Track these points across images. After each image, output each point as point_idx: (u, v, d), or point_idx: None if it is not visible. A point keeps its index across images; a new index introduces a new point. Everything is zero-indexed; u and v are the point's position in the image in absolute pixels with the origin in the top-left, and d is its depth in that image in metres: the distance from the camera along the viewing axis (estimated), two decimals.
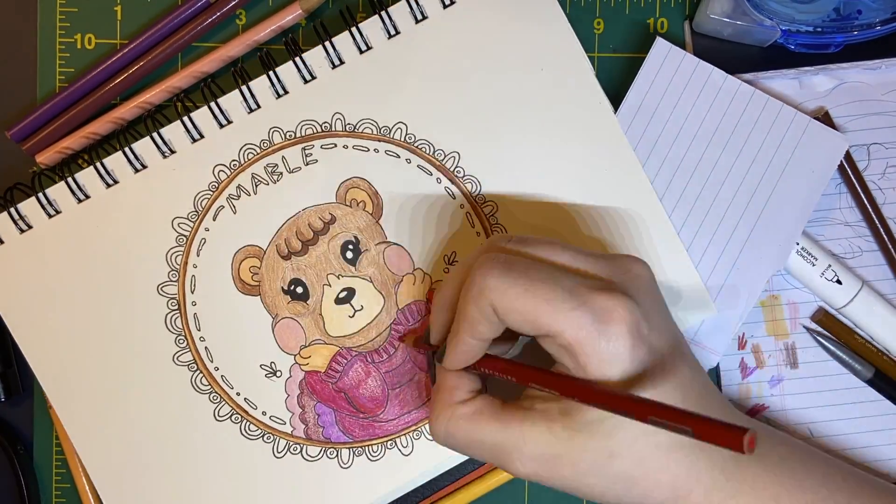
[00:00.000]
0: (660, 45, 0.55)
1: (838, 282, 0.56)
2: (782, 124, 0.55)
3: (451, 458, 0.56)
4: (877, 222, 0.57)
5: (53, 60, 0.58)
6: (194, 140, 0.55)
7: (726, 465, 0.44)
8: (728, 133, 0.55)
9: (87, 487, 0.58)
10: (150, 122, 0.55)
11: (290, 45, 0.54)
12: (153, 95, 0.57)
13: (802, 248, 0.55)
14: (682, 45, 0.58)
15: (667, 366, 0.44)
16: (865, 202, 0.56)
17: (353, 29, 0.54)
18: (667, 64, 0.55)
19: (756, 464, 0.45)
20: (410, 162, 0.55)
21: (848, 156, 0.56)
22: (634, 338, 0.42)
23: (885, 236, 0.57)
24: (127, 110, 0.57)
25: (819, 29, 0.55)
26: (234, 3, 0.57)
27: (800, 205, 0.55)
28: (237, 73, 0.54)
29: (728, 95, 0.55)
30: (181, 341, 0.55)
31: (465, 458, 0.56)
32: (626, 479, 0.43)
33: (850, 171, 0.56)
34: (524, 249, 0.46)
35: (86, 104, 0.57)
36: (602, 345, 0.41)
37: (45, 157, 0.57)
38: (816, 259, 0.55)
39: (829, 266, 0.56)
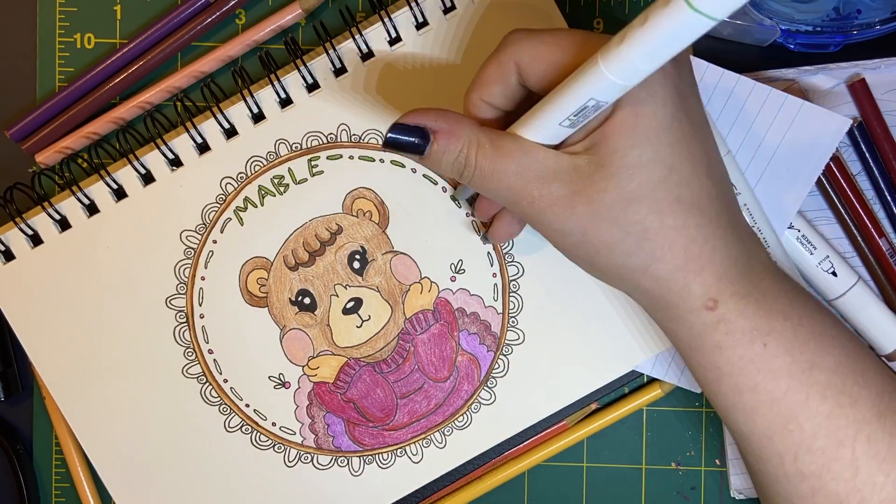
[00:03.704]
0: None
1: (834, 274, 0.56)
2: (771, 108, 0.54)
3: (459, 461, 0.57)
4: (857, 235, 0.57)
5: (53, 60, 0.58)
6: (201, 152, 0.55)
7: (739, 261, 0.43)
8: (713, 120, 0.55)
9: (86, 488, 0.58)
10: (150, 121, 0.55)
11: (289, 44, 0.54)
12: (153, 95, 0.56)
13: (802, 236, 0.56)
14: None
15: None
16: (858, 207, 0.57)
17: (356, 37, 0.54)
18: None
19: (771, 278, 0.45)
20: (416, 171, 0.55)
21: (839, 165, 0.56)
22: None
23: (868, 253, 0.57)
24: (126, 110, 0.56)
25: (818, 28, 0.55)
26: (233, 2, 0.56)
27: (797, 187, 0.55)
28: (237, 73, 0.54)
29: (711, 84, 0.55)
30: (190, 354, 0.55)
31: (466, 459, 0.57)
32: (640, 230, 0.42)
33: (835, 181, 0.57)
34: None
35: (85, 104, 0.57)
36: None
37: (45, 157, 0.56)
38: (815, 248, 0.56)
39: (827, 257, 0.56)
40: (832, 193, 0.57)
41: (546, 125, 0.42)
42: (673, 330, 0.45)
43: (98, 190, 0.55)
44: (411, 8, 0.54)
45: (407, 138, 0.44)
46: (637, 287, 0.44)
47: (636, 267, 0.43)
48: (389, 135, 0.44)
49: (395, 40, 0.55)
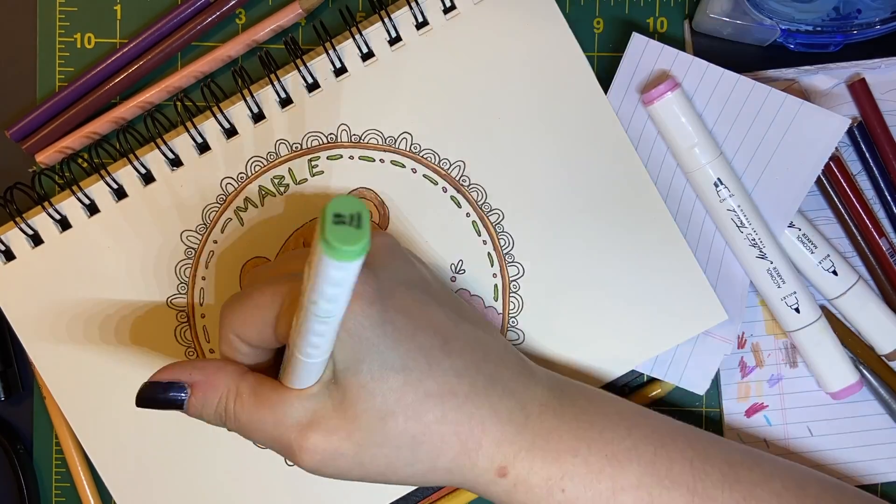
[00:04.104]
0: (636, 39, 0.55)
1: (834, 273, 0.56)
2: (771, 107, 0.54)
3: None
4: (857, 236, 0.58)
5: (53, 60, 0.58)
6: (202, 152, 0.55)
7: (513, 415, 0.44)
8: (712, 120, 0.55)
9: (86, 488, 0.58)
10: (150, 121, 0.55)
11: (289, 44, 0.54)
12: (153, 95, 0.56)
13: (803, 235, 0.56)
14: (682, 45, 0.58)
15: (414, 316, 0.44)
16: (858, 209, 0.57)
17: (356, 37, 0.54)
18: (645, 58, 0.55)
19: (551, 416, 0.45)
20: (416, 171, 0.55)
21: (839, 165, 0.56)
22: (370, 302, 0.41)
23: (868, 253, 0.57)
24: (126, 110, 0.56)
25: (819, 28, 0.55)
26: (233, 2, 0.56)
27: (796, 187, 0.55)
28: (237, 73, 0.54)
29: (710, 84, 0.55)
30: (191, 354, 0.55)
31: None
32: (408, 439, 0.42)
33: (835, 181, 0.57)
34: (273, 267, 0.46)
35: (85, 103, 0.57)
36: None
37: (45, 157, 0.56)
38: (816, 247, 0.56)
39: (828, 256, 0.56)
40: (832, 193, 0.57)
41: (294, 372, 0.42)
42: (486, 497, 0.46)
43: (98, 190, 0.55)
44: (411, 8, 0.54)
45: (164, 396, 0.44)
46: (436, 482, 0.45)
47: (424, 471, 0.44)
48: (141, 395, 0.44)
49: (395, 40, 0.55)
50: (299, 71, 0.54)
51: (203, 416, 0.45)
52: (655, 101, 0.53)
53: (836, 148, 0.57)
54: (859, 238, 0.57)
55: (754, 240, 0.54)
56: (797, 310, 0.55)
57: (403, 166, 0.55)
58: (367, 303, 0.41)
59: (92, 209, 0.55)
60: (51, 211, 0.54)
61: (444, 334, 0.44)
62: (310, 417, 0.42)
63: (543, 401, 0.46)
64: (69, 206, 0.55)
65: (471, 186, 0.55)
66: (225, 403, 0.44)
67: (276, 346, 0.44)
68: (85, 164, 0.57)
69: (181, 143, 0.55)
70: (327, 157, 0.55)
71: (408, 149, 0.55)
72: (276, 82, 0.54)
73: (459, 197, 0.55)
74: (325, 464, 0.43)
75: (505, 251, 0.55)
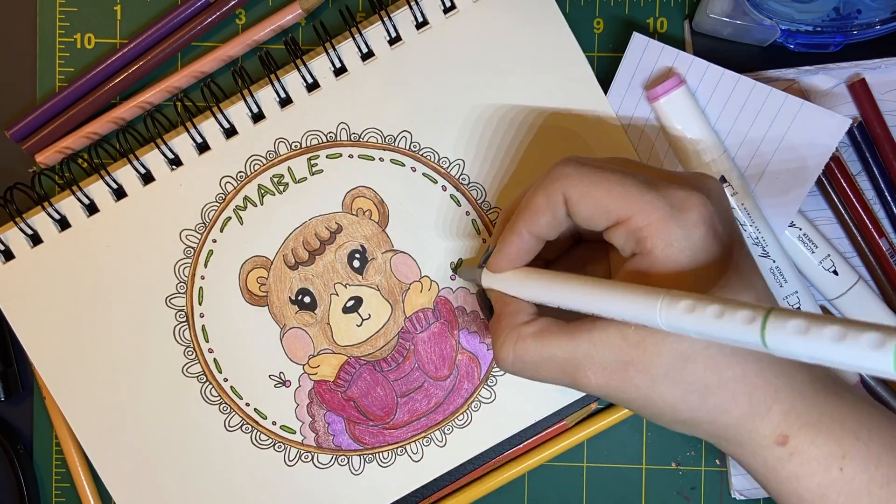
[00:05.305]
0: (637, 39, 0.55)
1: (835, 272, 0.56)
2: (771, 107, 0.54)
3: (460, 459, 0.57)
4: (859, 236, 0.57)
5: (53, 60, 0.58)
6: (201, 152, 0.55)
7: (804, 389, 0.43)
8: (713, 119, 0.55)
9: (86, 488, 0.58)
10: (150, 121, 0.55)
11: (289, 44, 0.54)
12: (153, 95, 0.57)
13: (804, 235, 0.56)
14: (682, 45, 0.58)
15: (739, 266, 0.43)
16: (860, 208, 0.57)
17: (356, 37, 0.54)
18: (646, 58, 0.55)
19: (834, 396, 0.44)
20: (416, 170, 0.55)
21: (839, 165, 0.56)
22: (708, 228, 0.41)
23: (868, 253, 0.57)
24: (126, 110, 0.57)
25: (818, 28, 0.55)
26: (233, 2, 0.57)
27: (796, 186, 0.55)
28: (237, 73, 0.54)
29: (711, 83, 0.55)
30: (190, 353, 0.55)
31: (467, 458, 0.56)
32: (701, 387, 0.41)
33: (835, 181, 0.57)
34: (599, 160, 0.45)
35: (85, 104, 0.57)
36: (675, 229, 0.40)
37: (45, 157, 0.57)
38: (816, 247, 0.56)
39: (828, 256, 0.56)
40: (832, 193, 0.57)
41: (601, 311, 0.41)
42: (745, 462, 0.45)
43: (98, 189, 0.55)
44: (411, 7, 0.54)
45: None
46: (705, 433, 0.44)
47: (703, 419, 0.43)
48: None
49: (394, 40, 0.55)
50: (299, 71, 0.54)
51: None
52: (661, 97, 0.53)
53: (836, 148, 0.56)
54: (859, 238, 0.57)
55: (757, 238, 0.54)
56: (798, 309, 0.54)
57: (403, 165, 0.55)
58: (705, 243, 0.41)
59: (91, 209, 0.55)
60: (50, 211, 0.54)
61: (763, 299, 0.43)
62: (603, 346, 0.42)
63: (826, 381, 0.45)
64: (68, 205, 0.55)
65: (470, 185, 0.55)
66: (507, 345, 0.45)
67: (584, 226, 0.44)
68: (85, 165, 0.57)
69: (181, 142, 0.55)
70: (327, 156, 0.55)
71: (407, 147, 0.55)
72: (275, 82, 0.54)
73: (459, 195, 0.55)
74: (612, 389, 0.42)
75: None
